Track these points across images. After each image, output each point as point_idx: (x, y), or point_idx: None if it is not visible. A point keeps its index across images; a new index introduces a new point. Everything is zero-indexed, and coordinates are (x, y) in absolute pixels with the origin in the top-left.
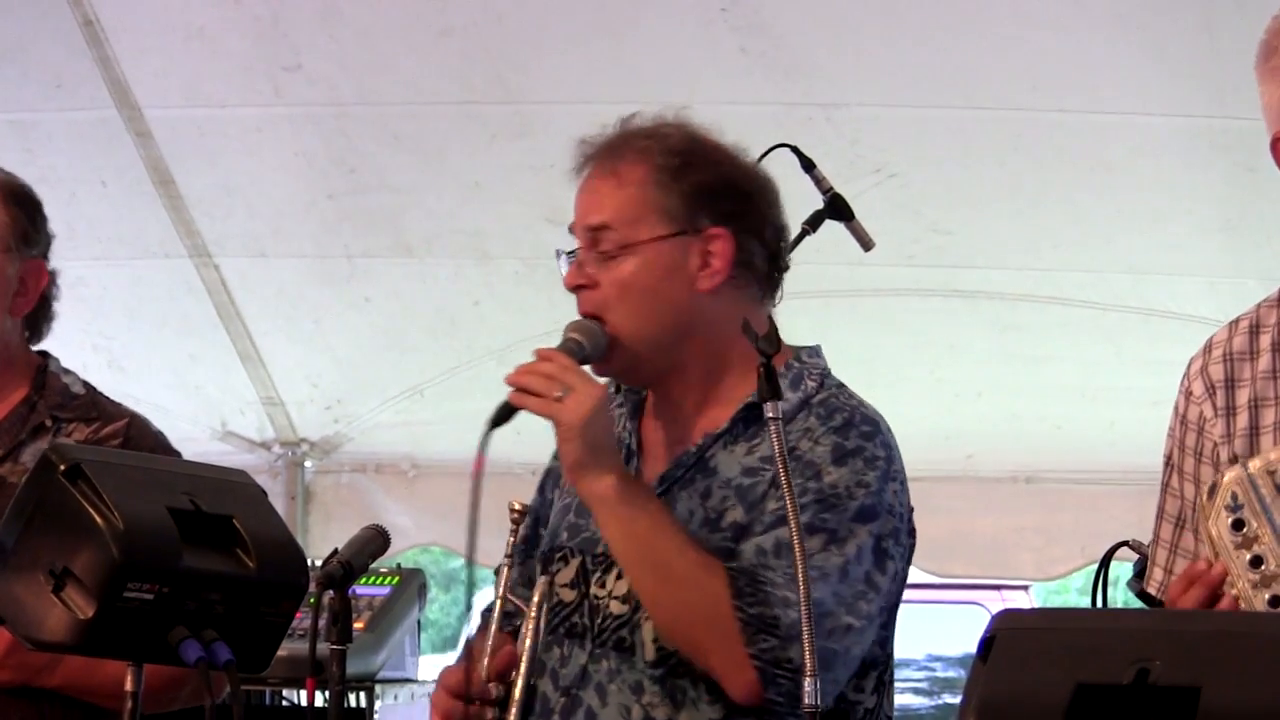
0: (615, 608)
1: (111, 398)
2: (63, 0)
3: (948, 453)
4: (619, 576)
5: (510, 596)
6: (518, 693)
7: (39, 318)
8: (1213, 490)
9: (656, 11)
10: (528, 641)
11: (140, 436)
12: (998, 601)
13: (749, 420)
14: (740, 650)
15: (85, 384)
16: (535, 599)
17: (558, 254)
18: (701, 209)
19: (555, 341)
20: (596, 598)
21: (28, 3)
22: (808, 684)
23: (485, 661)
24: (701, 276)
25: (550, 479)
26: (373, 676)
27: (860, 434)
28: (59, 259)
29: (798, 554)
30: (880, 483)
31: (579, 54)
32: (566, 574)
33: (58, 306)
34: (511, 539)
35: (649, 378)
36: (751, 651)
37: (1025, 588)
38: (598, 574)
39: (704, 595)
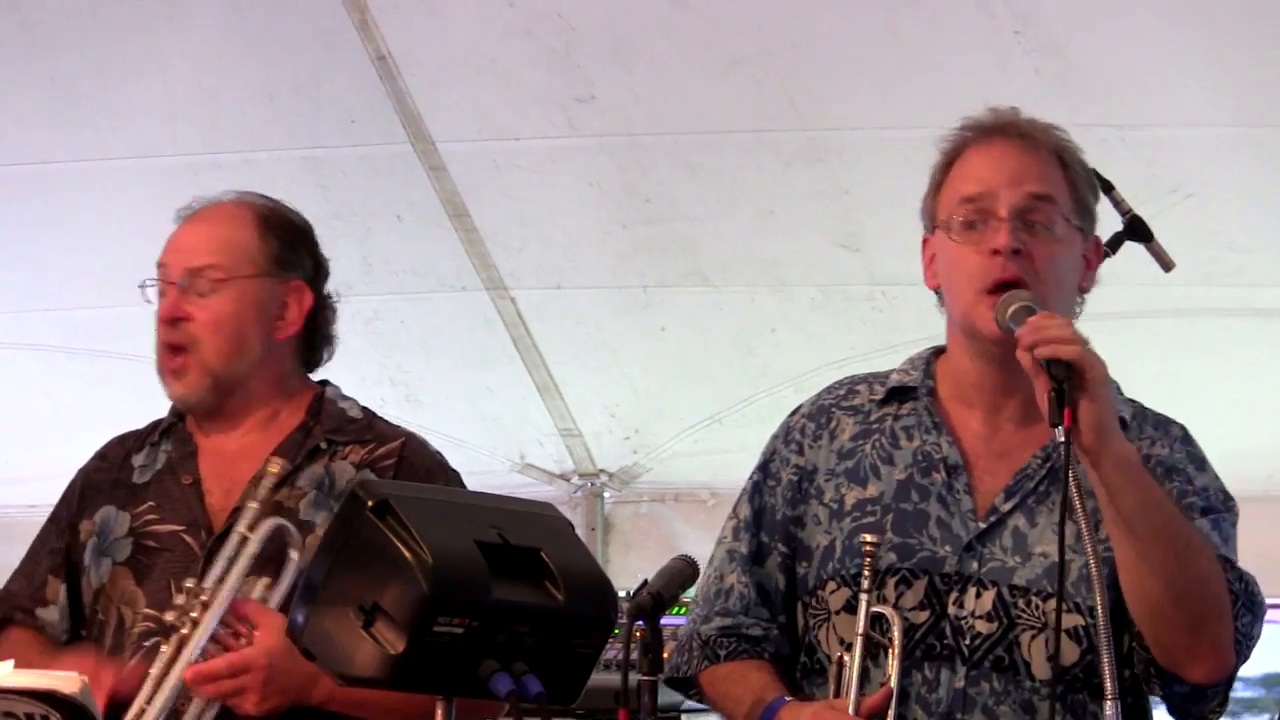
0: (981, 627)
1: (391, 421)
2: (355, 35)
3: (1248, 472)
4: (978, 595)
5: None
6: None
7: (313, 344)
8: None
9: (949, 35)
10: (893, 672)
11: (415, 456)
12: None
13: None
14: (1230, 624)
15: (364, 409)
16: (896, 629)
17: None
18: None
19: (851, 369)
20: (957, 618)
21: (320, 39)
22: None
23: (849, 697)
24: None
25: (783, 490)
26: (679, 707)
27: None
28: (354, 294)
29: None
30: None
31: (871, 79)
32: (911, 596)
33: (353, 339)
34: (868, 574)
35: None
36: (1237, 625)
37: None
38: (953, 593)
39: (1213, 566)
